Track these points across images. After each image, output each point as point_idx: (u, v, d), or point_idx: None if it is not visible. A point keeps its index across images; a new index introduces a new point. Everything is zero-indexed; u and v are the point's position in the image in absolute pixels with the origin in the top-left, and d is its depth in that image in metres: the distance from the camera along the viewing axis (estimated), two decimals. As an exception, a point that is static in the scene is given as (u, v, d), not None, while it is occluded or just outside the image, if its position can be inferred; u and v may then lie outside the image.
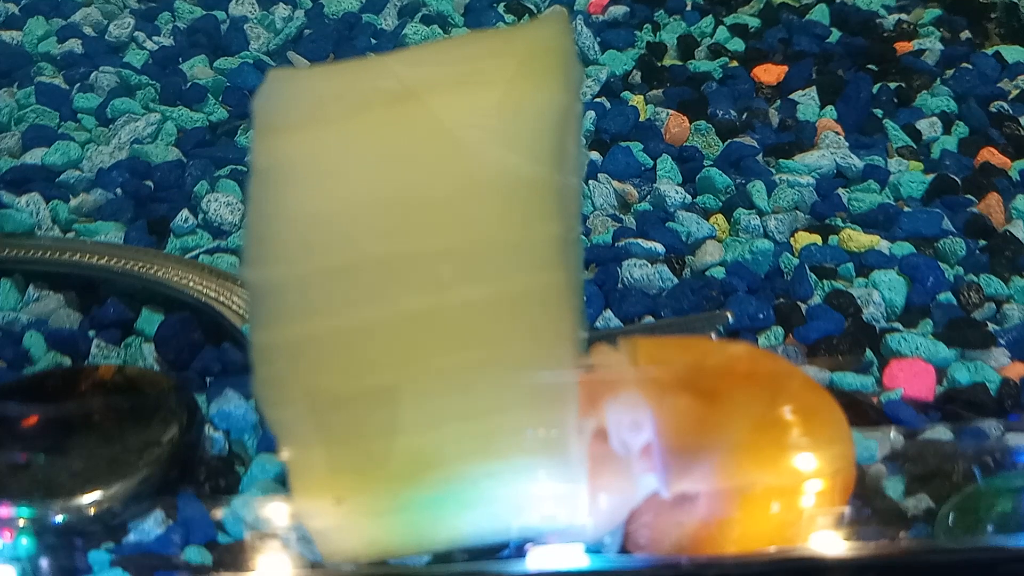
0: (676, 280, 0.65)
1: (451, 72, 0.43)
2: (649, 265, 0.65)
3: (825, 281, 0.65)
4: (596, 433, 0.46)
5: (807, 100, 0.81)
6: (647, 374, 0.46)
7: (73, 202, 0.71)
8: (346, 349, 0.41)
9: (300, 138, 0.43)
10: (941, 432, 0.55)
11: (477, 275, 0.41)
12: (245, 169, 0.73)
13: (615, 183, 0.73)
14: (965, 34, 0.90)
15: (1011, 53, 0.87)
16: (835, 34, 0.90)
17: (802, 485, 0.46)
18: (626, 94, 0.83)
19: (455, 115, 0.42)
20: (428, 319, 0.41)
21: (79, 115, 0.79)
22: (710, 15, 0.92)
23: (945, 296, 0.64)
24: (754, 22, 0.92)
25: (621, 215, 0.71)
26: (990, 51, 0.87)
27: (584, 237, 0.68)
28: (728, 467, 0.46)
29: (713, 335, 0.59)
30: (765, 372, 0.49)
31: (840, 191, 0.72)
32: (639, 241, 0.67)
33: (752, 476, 0.46)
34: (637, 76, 0.85)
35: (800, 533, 0.47)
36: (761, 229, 0.69)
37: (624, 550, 0.48)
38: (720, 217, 0.70)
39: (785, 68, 0.85)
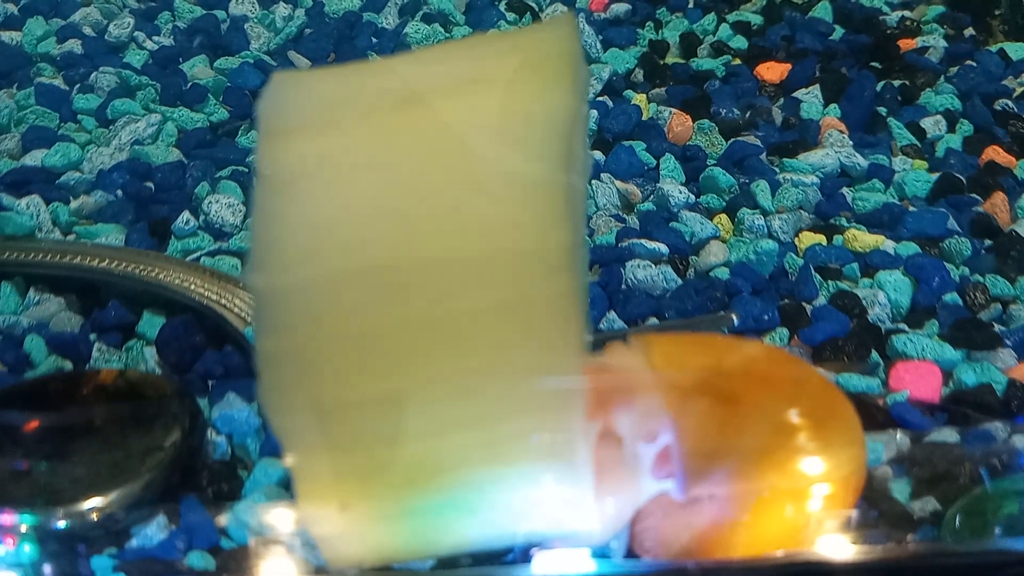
0: (680, 281, 0.65)
1: (457, 75, 0.43)
2: (653, 266, 0.65)
3: (830, 281, 0.65)
4: (604, 434, 0.45)
5: (810, 98, 0.81)
6: (664, 376, 0.46)
7: (73, 204, 0.70)
8: (352, 355, 0.41)
9: (305, 143, 0.42)
10: (947, 434, 0.54)
11: (484, 281, 0.40)
12: (246, 170, 0.73)
13: (618, 183, 0.72)
14: (969, 31, 0.90)
15: (1015, 50, 0.86)
16: (838, 31, 0.90)
17: (819, 488, 0.46)
18: (628, 93, 0.83)
19: (462, 119, 0.42)
20: (434, 325, 0.40)
21: (79, 116, 0.79)
22: (712, 12, 0.92)
23: (951, 297, 0.64)
24: (757, 19, 0.92)
25: (624, 215, 0.71)
26: (994, 48, 0.87)
27: (588, 238, 0.68)
28: (748, 470, 0.45)
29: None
30: (784, 374, 0.48)
31: (844, 190, 0.72)
32: (643, 242, 0.66)
33: (772, 479, 0.45)
34: (639, 74, 0.85)
35: (812, 535, 0.46)
36: (765, 229, 0.68)
37: (630, 552, 0.48)
38: (724, 217, 0.70)
39: (788, 66, 0.84)
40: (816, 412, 0.47)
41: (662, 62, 0.86)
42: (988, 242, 0.68)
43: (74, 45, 0.87)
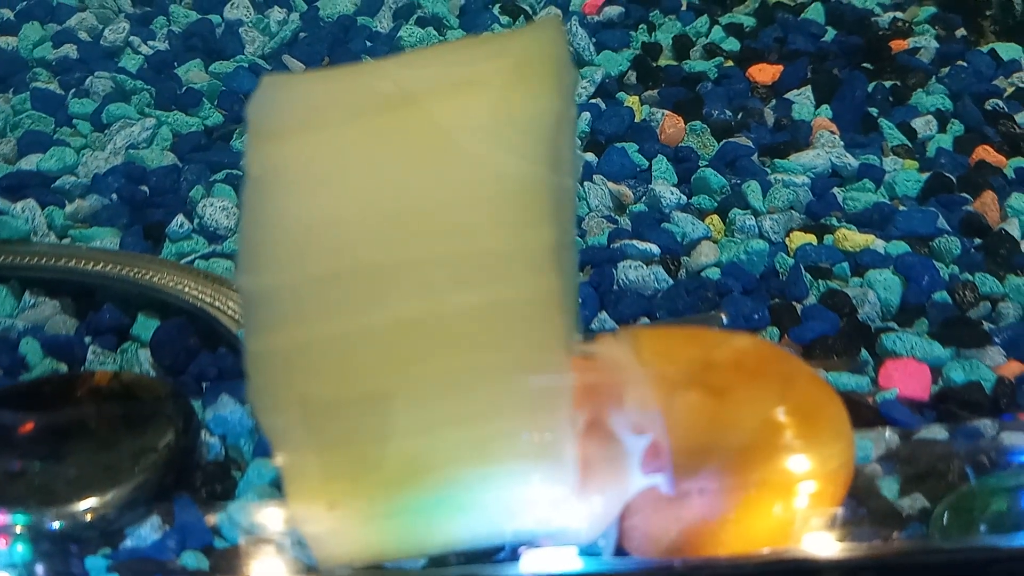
0: (671, 281, 0.65)
1: (445, 77, 0.43)
2: (644, 266, 0.65)
3: (820, 281, 0.65)
4: (592, 427, 0.45)
5: (802, 99, 0.81)
6: (653, 368, 0.46)
7: (69, 208, 0.71)
8: (340, 355, 0.41)
9: (294, 144, 0.43)
10: (936, 432, 0.55)
11: (471, 281, 0.41)
12: (240, 174, 0.74)
13: (610, 184, 0.73)
14: (960, 31, 0.90)
15: (1006, 50, 0.87)
16: (830, 33, 0.90)
17: (809, 480, 0.46)
18: (621, 95, 0.83)
19: (450, 120, 0.42)
20: (422, 325, 0.41)
21: (74, 120, 0.80)
22: (705, 15, 0.92)
23: (940, 295, 0.64)
24: (749, 21, 0.92)
25: (616, 216, 0.71)
26: (985, 48, 0.87)
27: (579, 239, 0.68)
28: (738, 464, 0.45)
29: (709, 335, 0.59)
30: (774, 367, 0.48)
31: (835, 190, 0.72)
32: (634, 242, 0.67)
33: (762, 472, 0.45)
34: (632, 77, 0.85)
35: (801, 529, 0.46)
36: (756, 229, 0.69)
37: (619, 548, 0.48)
38: (715, 217, 0.70)
39: (780, 67, 0.85)
40: (805, 405, 0.47)
41: (655, 64, 0.87)
42: (978, 241, 0.68)
43: (70, 50, 0.87)
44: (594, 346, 0.47)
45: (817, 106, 0.81)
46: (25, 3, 0.93)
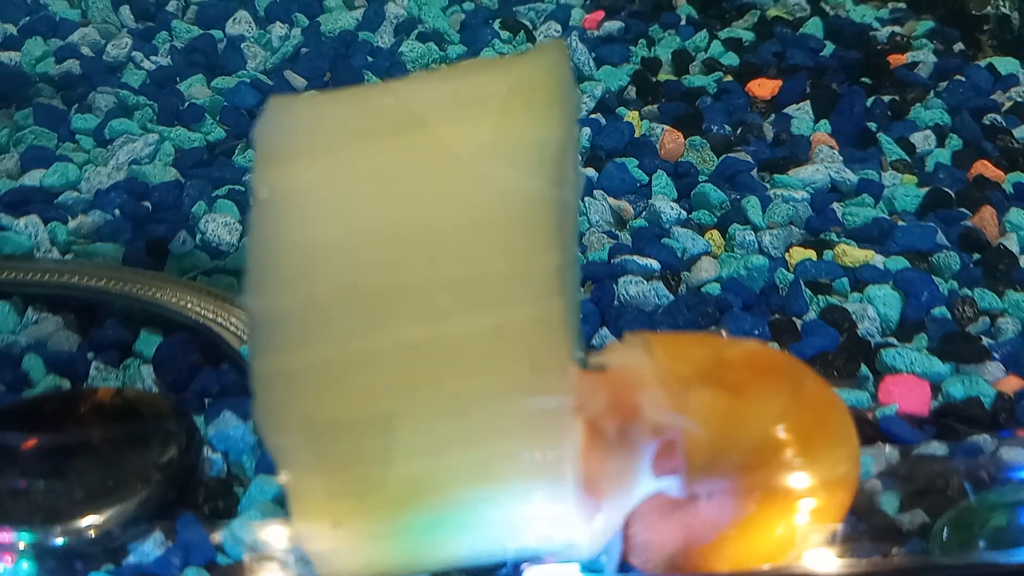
0: (672, 297, 0.66)
1: (450, 100, 0.44)
2: (645, 282, 0.66)
3: (820, 296, 0.66)
4: (602, 434, 0.45)
5: (801, 114, 0.82)
6: (667, 368, 0.46)
7: (71, 224, 0.71)
8: (345, 376, 0.41)
9: (301, 167, 0.43)
10: (936, 447, 0.55)
11: (476, 304, 0.41)
12: (243, 189, 0.74)
13: (610, 200, 0.73)
14: (958, 46, 0.91)
15: (1004, 65, 0.87)
16: (829, 47, 0.91)
17: (824, 484, 0.46)
18: (621, 110, 0.84)
19: (454, 144, 0.42)
20: (426, 347, 0.41)
21: (77, 136, 0.80)
22: (704, 29, 0.93)
23: (939, 310, 0.64)
24: (748, 36, 0.93)
25: (617, 232, 0.72)
26: (983, 63, 0.88)
27: (580, 254, 0.69)
28: (754, 462, 0.45)
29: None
30: (784, 367, 0.49)
31: (835, 205, 0.72)
32: (635, 258, 0.67)
33: (777, 474, 0.45)
34: (632, 92, 0.86)
35: (816, 532, 0.47)
36: (756, 245, 0.69)
37: (624, 561, 0.48)
38: (715, 233, 0.71)
39: (779, 82, 0.85)
40: (816, 405, 0.47)
41: (654, 79, 0.87)
42: (976, 256, 0.68)
43: (72, 65, 0.87)
44: (605, 354, 0.47)
45: (816, 121, 0.81)
46: (28, 18, 0.94)
